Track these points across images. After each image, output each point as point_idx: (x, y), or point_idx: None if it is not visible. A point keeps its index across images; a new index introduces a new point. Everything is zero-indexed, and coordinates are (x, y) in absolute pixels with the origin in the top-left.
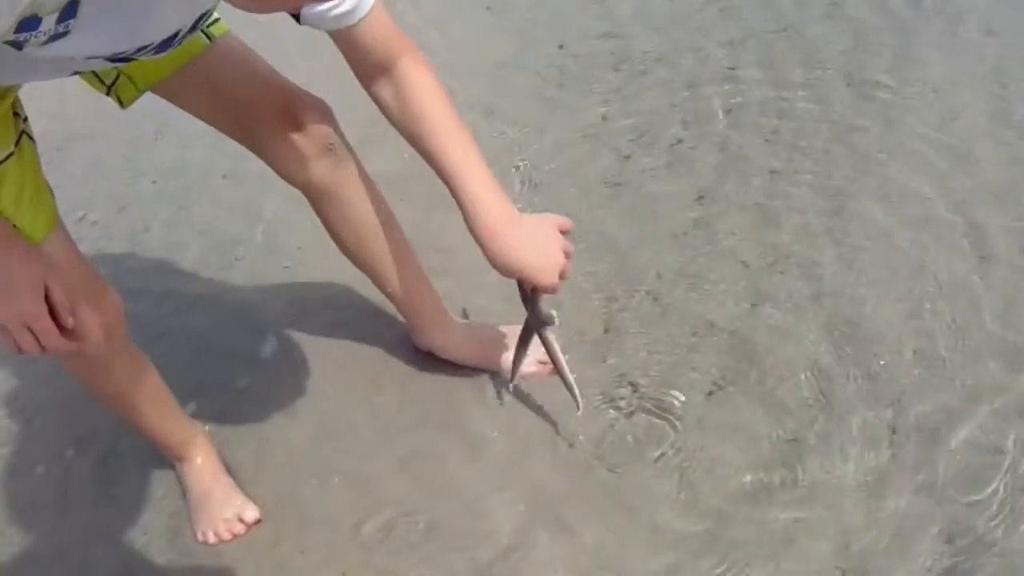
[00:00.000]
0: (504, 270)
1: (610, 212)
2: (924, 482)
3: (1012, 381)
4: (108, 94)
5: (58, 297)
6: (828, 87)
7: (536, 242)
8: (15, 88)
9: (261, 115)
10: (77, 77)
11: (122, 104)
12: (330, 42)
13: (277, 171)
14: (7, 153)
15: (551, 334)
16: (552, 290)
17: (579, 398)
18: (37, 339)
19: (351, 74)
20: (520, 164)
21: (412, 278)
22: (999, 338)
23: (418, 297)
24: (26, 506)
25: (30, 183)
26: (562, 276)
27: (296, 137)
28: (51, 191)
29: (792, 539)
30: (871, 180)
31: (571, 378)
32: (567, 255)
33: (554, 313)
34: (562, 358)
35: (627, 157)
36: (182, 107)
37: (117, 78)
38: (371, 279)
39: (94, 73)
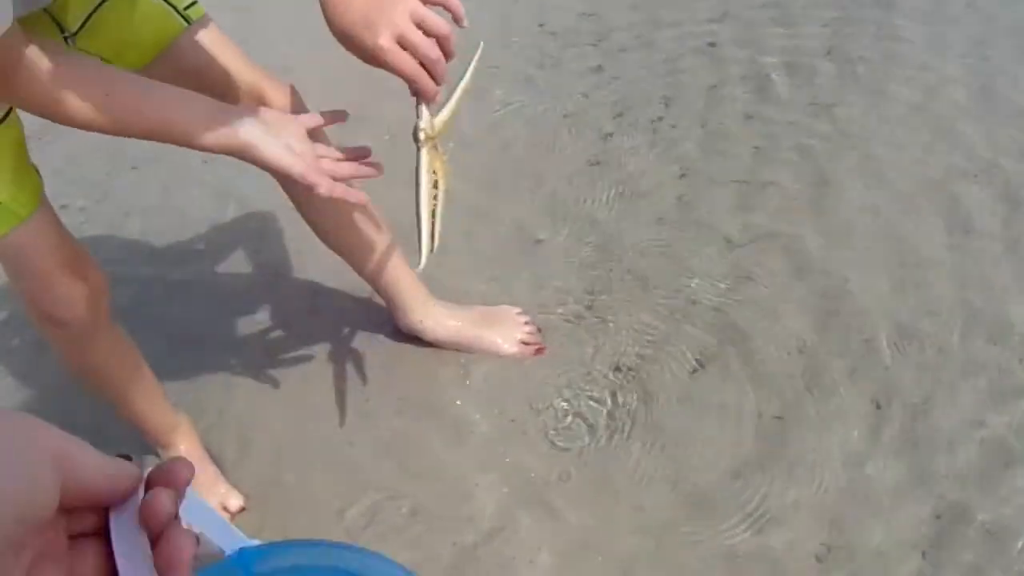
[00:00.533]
0: (337, 38)
1: (592, 191)
2: (909, 457)
3: (995, 354)
4: None
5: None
6: (810, 62)
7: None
8: None
9: (229, 102)
10: None
11: None
12: (310, 27)
13: None
14: None
15: (423, 153)
16: (383, 63)
17: (424, 250)
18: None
19: (330, 58)
20: (501, 143)
21: (391, 262)
22: (982, 311)
23: (398, 280)
24: None
25: (9, 164)
26: (405, 45)
27: None
28: (38, 172)
29: (778, 517)
30: (854, 155)
31: (424, 219)
32: (430, 32)
33: (421, 123)
34: (424, 190)
35: (609, 135)
36: None
37: None
38: (350, 264)
39: None
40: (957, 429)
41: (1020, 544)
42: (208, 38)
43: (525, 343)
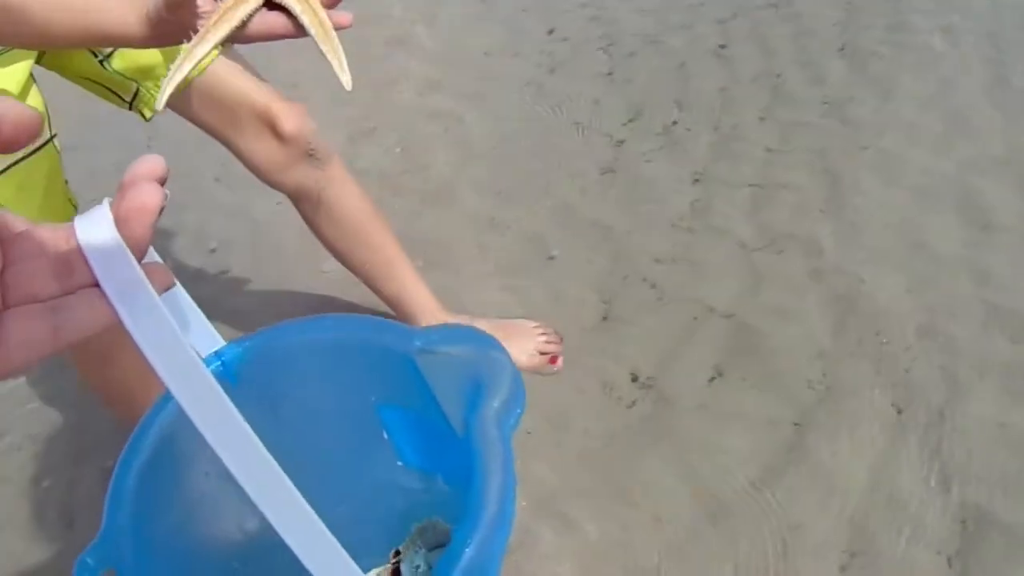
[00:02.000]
0: None
1: (605, 199)
2: (932, 460)
3: (1017, 353)
4: (131, 108)
5: None
6: (821, 60)
7: None
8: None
9: (241, 122)
10: (91, 95)
11: (145, 117)
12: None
13: (259, 176)
14: (24, 153)
15: None
16: None
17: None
18: None
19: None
20: (513, 152)
21: (402, 276)
22: (1002, 309)
23: (409, 295)
24: (32, 520)
25: (39, 191)
26: None
27: (275, 144)
28: (73, 203)
29: (799, 524)
30: (868, 153)
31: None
32: None
33: None
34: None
35: (621, 142)
36: (180, 113)
37: (137, 92)
38: (361, 280)
39: (112, 91)
40: (980, 431)
41: None
42: (221, 63)
43: (542, 352)
